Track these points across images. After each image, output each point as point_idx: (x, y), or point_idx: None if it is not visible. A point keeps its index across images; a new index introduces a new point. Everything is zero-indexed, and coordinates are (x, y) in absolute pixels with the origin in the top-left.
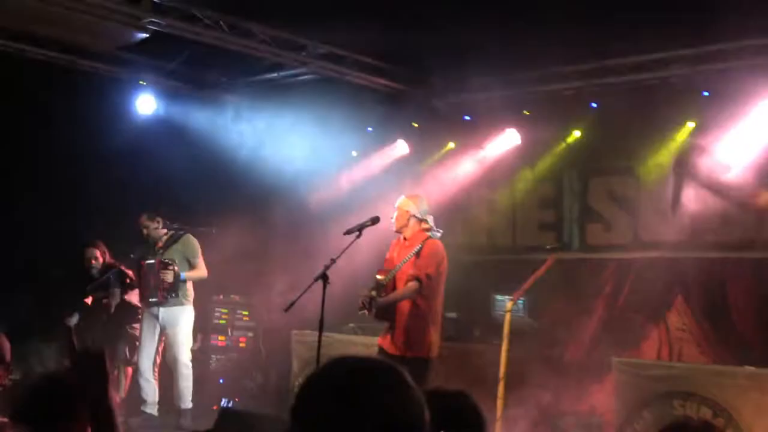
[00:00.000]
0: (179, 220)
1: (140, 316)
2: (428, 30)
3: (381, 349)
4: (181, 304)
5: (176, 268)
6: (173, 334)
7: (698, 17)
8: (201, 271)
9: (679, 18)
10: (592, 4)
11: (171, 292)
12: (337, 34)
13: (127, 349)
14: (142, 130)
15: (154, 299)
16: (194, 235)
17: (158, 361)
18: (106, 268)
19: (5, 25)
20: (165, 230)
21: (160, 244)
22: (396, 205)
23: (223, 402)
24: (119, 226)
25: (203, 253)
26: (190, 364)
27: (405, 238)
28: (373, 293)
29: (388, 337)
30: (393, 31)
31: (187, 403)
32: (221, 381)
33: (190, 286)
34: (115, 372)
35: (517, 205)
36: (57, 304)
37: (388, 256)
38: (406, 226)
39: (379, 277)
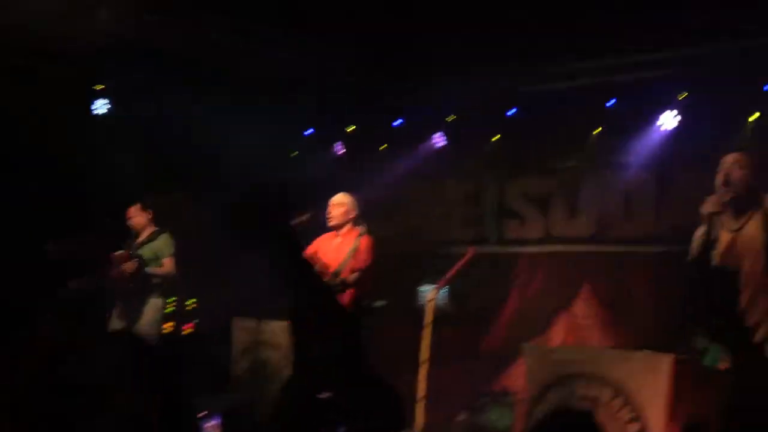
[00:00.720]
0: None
1: None
2: (368, 35)
3: None
4: (155, 295)
5: (139, 261)
6: (139, 323)
7: (607, 32)
8: (167, 269)
9: (590, 32)
10: (513, 15)
11: (131, 284)
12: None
13: None
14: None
15: (118, 288)
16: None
17: None
18: None
19: None
20: (152, 225)
21: (140, 238)
22: (334, 202)
23: None
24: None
25: None
26: None
27: (337, 234)
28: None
29: None
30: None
31: None
32: None
33: (158, 280)
34: None
35: (441, 201)
36: None
37: (314, 250)
38: (343, 223)
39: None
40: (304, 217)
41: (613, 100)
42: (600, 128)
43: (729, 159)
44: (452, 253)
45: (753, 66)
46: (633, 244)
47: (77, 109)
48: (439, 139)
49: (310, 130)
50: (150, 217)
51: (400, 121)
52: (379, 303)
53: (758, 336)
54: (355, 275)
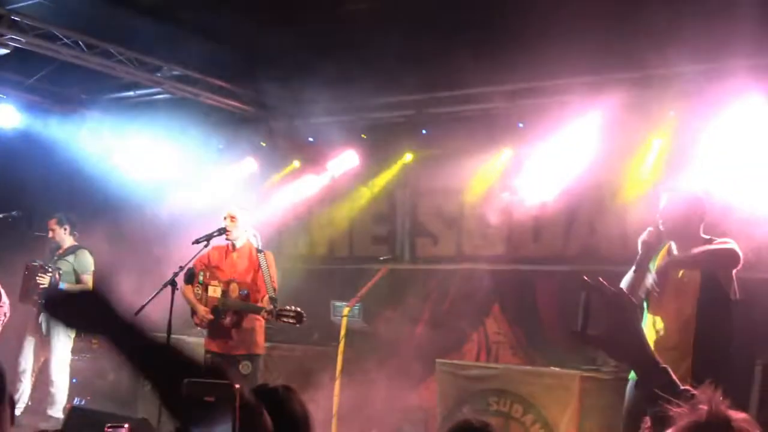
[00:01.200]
0: (35, 226)
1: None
2: (275, 59)
3: (213, 353)
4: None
5: (56, 276)
6: (52, 338)
7: (515, 59)
8: (85, 286)
9: (499, 58)
10: (422, 42)
11: (43, 298)
12: (190, 58)
13: None
14: (3, 142)
15: (26, 300)
16: (48, 240)
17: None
18: None
19: None
20: (72, 239)
21: (61, 251)
22: (231, 213)
23: (76, 401)
24: None
25: None
26: (66, 369)
27: (234, 248)
28: (221, 303)
29: (226, 341)
30: (242, 57)
31: (58, 411)
32: (74, 381)
33: None
34: None
35: (355, 219)
36: None
37: (209, 261)
38: (239, 236)
39: (223, 288)
40: None
41: (521, 124)
42: (508, 149)
43: None
44: (365, 269)
45: (656, 94)
46: (541, 264)
47: None
48: (351, 158)
49: (221, 146)
50: (67, 231)
51: (311, 139)
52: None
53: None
54: (270, 297)
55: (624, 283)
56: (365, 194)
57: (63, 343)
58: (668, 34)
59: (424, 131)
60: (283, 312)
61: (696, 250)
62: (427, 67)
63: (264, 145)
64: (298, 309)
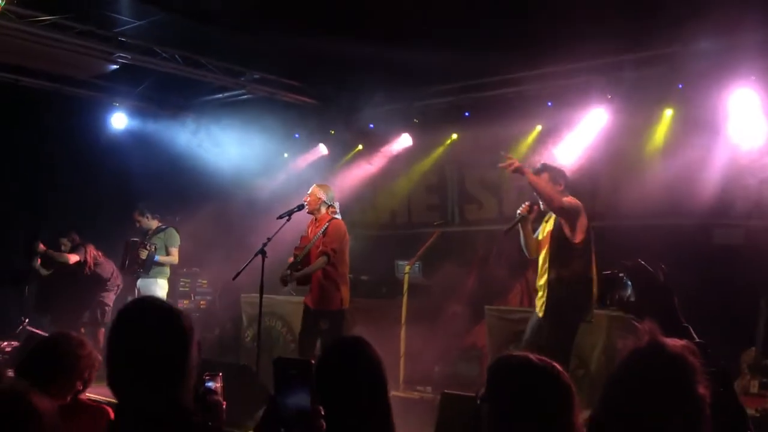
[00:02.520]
0: (166, 214)
1: (108, 286)
2: (338, 58)
3: (306, 306)
4: (154, 277)
5: (152, 250)
6: None
7: (543, 45)
8: (172, 258)
9: (529, 46)
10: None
11: (141, 267)
12: (268, 63)
13: (98, 313)
14: (116, 141)
15: (129, 270)
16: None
17: None
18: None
19: (2, 60)
20: (156, 221)
21: (150, 232)
22: (309, 191)
23: None
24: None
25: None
26: None
27: (316, 219)
28: (288, 272)
29: (309, 296)
30: (310, 59)
31: None
32: None
33: (167, 267)
34: (81, 330)
35: (411, 191)
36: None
37: (304, 234)
38: (317, 209)
39: (293, 257)
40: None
41: (550, 103)
42: (540, 125)
43: None
44: (422, 233)
45: (667, 70)
46: None
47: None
48: (405, 139)
49: (297, 135)
50: (149, 218)
51: (371, 126)
52: (363, 277)
53: None
54: (323, 258)
55: (522, 242)
56: (419, 169)
57: None
58: (674, 15)
59: (467, 113)
60: (284, 277)
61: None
62: (467, 57)
63: (333, 132)
64: (287, 273)
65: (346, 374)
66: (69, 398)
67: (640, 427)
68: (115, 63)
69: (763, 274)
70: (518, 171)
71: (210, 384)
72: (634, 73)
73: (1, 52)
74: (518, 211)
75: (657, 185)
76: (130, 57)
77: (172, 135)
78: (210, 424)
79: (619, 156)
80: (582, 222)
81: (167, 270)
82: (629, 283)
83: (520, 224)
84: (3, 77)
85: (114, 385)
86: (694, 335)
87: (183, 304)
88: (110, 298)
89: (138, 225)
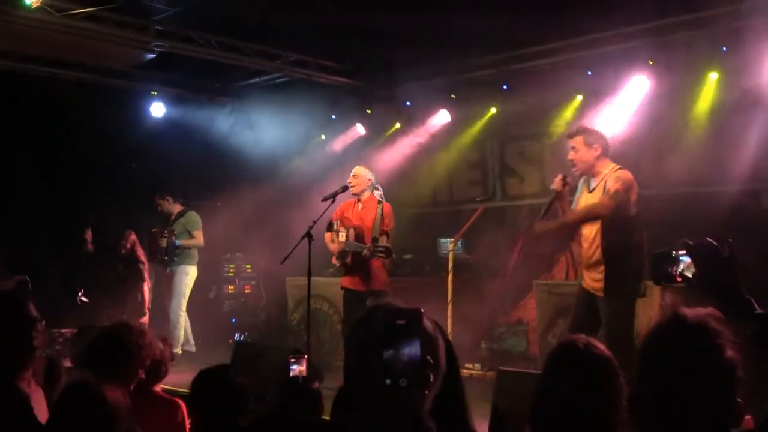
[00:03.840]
0: (188, 198)
1: (144, 276)
2: (374, 37)
3: (348, 290)
4: (181, 264)
5: (172, 237)
6: (172, 287)
7: (579, 13)
8: (197, 240)
9: (565, 14)
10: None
11: (166, 255)
12: (303, 44)
13: (139, 299)
14: (155, 130)
15: (154, 260)
16: (201, 210)
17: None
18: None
19: (40, 53)
20: (178, 205)
21: (172, 217)
22: (354, 172)
23: (236, 336)
24: (142, 203)
25: (213, 224)
26: (181, 315)
27: (359, 200)
28: (369, 245)
29: (355, 278)
30: (346, 39)
31: (175, 346)
32: (233, 320)
33: (194, 252)
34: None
35: (452, 167)
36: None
37: (338, 216)
38: (364, 190)
39: (357, 232)
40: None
41: (589, 72)
42: (580, 95)
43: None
44: (465, 209)
45: (710, 33)
46: None
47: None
48: (443, 115)
49: (334, 116)
50: (170, 201)
51: (408, 103)
52: (406, 256)
53: None
54: (384, 238)
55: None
56: (459, 145)
57: (179, 289)
58: None
59: (505, 87)
60: (376, 249)
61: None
62: (502, 29)
63: (369, 112)
64: (388, 245)
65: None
66: (132, 387)
67: (676, 396)
68: (152, 52)
69: None
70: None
71: (295, 367)
72: (675, 36)
73: (40, 47)
74: (552, 187)
75: (702, 152)
76: (166, 45)
77: (210, 121)
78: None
79: (663, 123)
80: (634, 194)
81: (194, 253)
82: (682, 258)
83: (556, 201)
84: (42, 71)
85: None
86: (756, 306)
87: (228, 290)
88: (147, 287)
89: (159, 210)
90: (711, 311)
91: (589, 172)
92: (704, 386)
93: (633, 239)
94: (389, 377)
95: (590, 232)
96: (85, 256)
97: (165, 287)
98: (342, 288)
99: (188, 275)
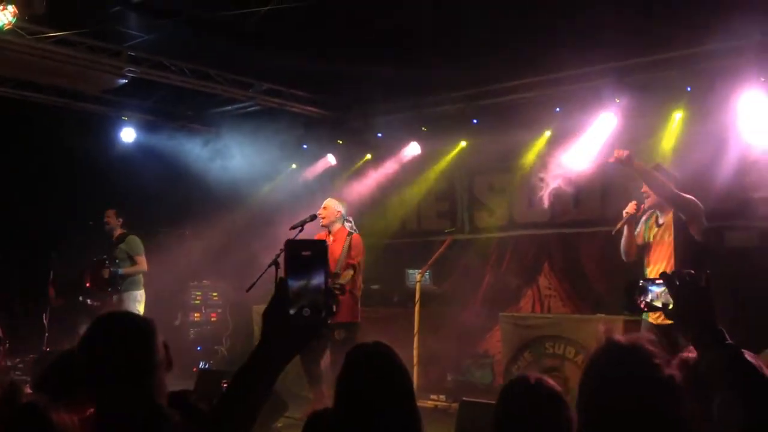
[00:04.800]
0: (157, 225)
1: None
2: (346, 67)
3: None
4: (127, 290)
5: (113, 267)
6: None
7: (549, 51)
8: (139, 266)
9: (535, 52)
10: (467, 43)
11: (109, 287)
12: (276, 74)
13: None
14: (125, 155)
15: (98, 291)
16: (169, 236)
17: None
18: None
19: (11, 75)
20: (119, 228)
21: (114, 238)
22: (325, 204)
23: (201, 364)
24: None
25: (180, 251)
26: None
27: (330, 233)
28: (341, 282)
29: None
30: (318, 70)
31: None
32: (198, 348)
33: (138, 276)
34: None
35: (421, 199)
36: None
37: None
38: (333, 222)
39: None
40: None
41: (558, 109)
42: (548, 131)
43: None
44: (433, 241)
45: (676, 73)
46: (583, 226)
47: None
48: (414, 147)
49: (305, 146)
50: (120, 222)
51: (380, 135)
52: (374, 286)
53: None
54: (350, 271)
55: (623, 243)
56: (428, 177)
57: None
58: (682, 18)
59: (474, 121)
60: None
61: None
62: (473, 65)
63: (341, 142)
64: (342, 283)
65: (376, 382)
66: (88, 412)
67: (619, 418)
68: (125, 77)
69: None
70: (628, 162)
71: None
72: (642, 76)
73: (11, 69)
74: (626, 210)
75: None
76: (139, 71)
77: (181, 147)
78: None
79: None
80: (703, 219)
81: (139, 278)
82: (650, 288)
83: (626, 225)
84: (13, 93)
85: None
86: (727, 337)
87: (194, 317)
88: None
89: (106, 224)
90: (645, 335)
91: (659, 206)
92: (646, 406)
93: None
94: (293, 307)
95: (653, 264)
96: (50, 305)
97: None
98: None
99: (137, 301)
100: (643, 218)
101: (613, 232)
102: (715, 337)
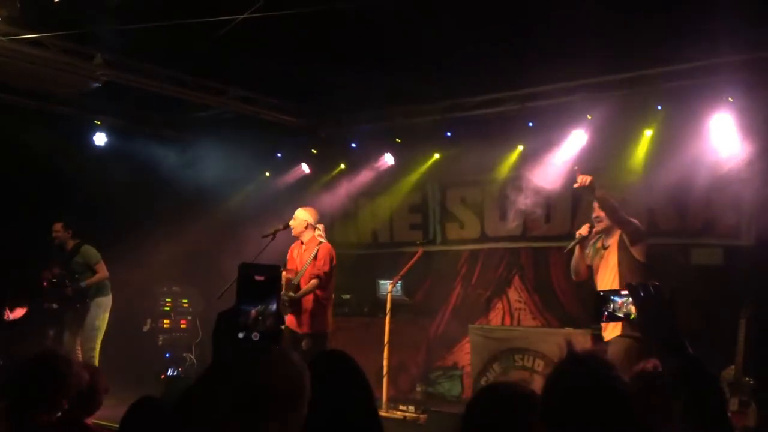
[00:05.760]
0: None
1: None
2: (321, 77)
3: (288, 329)
4: (93, 298)
5: (75, 283)
6: (85, 321)
7: (524, 67)
8: (100, 274)
9: (509, 67)
10: (442, 56)
11: (77, 302)
12: (251, 81)
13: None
14: (97, 160)
15: (66, 306)
16: (140, 242)
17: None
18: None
19: None
20: (69, 239)
21: (67, 251)
22: (294, 215)
23: (170, 371)
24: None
25: (151, 257)
26: (96, 349)
27: (302, 242)
28: (291, 294)
29: (294, 319)
30: (292, 79)
31: None
32: (167, 355)
33: (105, 283)
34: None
35: (393, 210)
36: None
37: (288, 256)
38: (302, 232)
39: (290, 276)
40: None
41: (530, 124)
42: (521, 145)
43: None
44: (404, 252)
45: (645, 90)
46: (553, 241)
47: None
48: (388, 158)
49: (279, 154)
50: (70, 233)
51: (354, 145)
52: (345, 296)
53: None
54: (314, 281)
55: (573, 263)
56: (401, 189)
57: (93, 323)
58: (654, 37)
59: (448, 133)
60: (285, 303)
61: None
62: (448, 78)
63: (315, 152)
64: (292, 295)
65: (337, 387)
66: (58, 417)
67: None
68: (98, 81)
69: (741, 294)
70: (591, 189)
71: None
72: (613, 94)
73: None
74: (579, 232)
75: (636, 206)
76: (112, 74)
77: (154, 153)
78: None
79: (599, 176)
80: (646, 240)
81: (105, 285)
82: (613, 298)
83: (577, 246)
84: None
85: None
86: (689, 348)
87: (163, 324)
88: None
89: (55, 237)
90: (600, 347)
91: (607, 230)
92: (604, 415)
93: None
94: (243, 330)
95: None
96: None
97: (74, 321)
98: (286, 328)
99: (101, 308)
100: (591, 241)
101: (565, 251)
102: (678, 347)
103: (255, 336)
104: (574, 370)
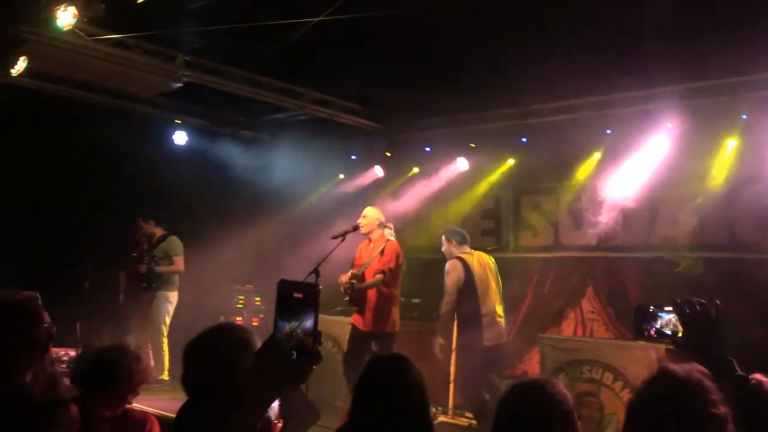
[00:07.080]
0: (204, 227)
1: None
2: (398, 81)
3: (354, 327)
4: (160, 290)
5: (152, 263)
6: (151, 314)
7: (603, 73)
8: (176, 266)
9: (587, 72)
10: (520, 61)
11: (144, 282)
12: (327, 84)
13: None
14: (177, 158)
15: (135, 286)
16: (214, 239)
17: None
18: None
19: (68, 76)
20: (160, 230)
21: (153, 240)
22: (364, 213)
23: None
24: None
25: (225, 255)
26: (164, 341)
27: (370, 241)
28: (354, 281)
29: (360, 317)
30: (369, 82)
31: (161, 372)
32: None
33: (174, 277)
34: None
35: (466, 215)
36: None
37: (356, 255)
38: (373, 230)
39: (354, 271)
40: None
41: (609, 131)
42: (598, 152)
43: None
44: None
45: (731, 99)
46: (628, 251)
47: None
48: (461, 163)
49: (354, 156)
50: (152, 224)
51: (428, 149)
52: (415, 300)
53: None
54: (379, 275)
55: None
56: (474, 194)
57: (159, 316)
58: (739, 44)
59: (524, 139)
60: (346, 289)
61: None
62: (523, 83)
63: (389, 155)
64: (353, 282)
65: (386, 392)
66: (119, 410)
67: None
68: (179, 81)
69: None
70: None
71: None
72: (696, 101)
73: (68, 69)
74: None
75: (717, 217)
76: (193, 76)
77: (230, 153)
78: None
79: (680, 186)
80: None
81: (174, 279)
82: (660, 315)
83: None
84: (70, 93)
85: None
86: (737, 368)
87: (236, 321)
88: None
89: (140, 231)
90: (698, 367)
91: None
92: None
93: None
94: (281, 349)
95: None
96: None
97: (142, 313)
98: (352, 326)
99: (168, 302)
100: None
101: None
102: (726, 368)
103: (293, 354)
104: (668, 391)
